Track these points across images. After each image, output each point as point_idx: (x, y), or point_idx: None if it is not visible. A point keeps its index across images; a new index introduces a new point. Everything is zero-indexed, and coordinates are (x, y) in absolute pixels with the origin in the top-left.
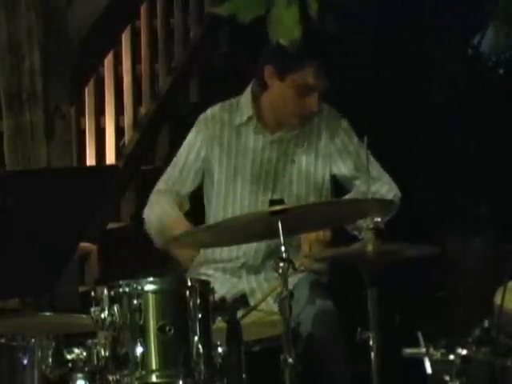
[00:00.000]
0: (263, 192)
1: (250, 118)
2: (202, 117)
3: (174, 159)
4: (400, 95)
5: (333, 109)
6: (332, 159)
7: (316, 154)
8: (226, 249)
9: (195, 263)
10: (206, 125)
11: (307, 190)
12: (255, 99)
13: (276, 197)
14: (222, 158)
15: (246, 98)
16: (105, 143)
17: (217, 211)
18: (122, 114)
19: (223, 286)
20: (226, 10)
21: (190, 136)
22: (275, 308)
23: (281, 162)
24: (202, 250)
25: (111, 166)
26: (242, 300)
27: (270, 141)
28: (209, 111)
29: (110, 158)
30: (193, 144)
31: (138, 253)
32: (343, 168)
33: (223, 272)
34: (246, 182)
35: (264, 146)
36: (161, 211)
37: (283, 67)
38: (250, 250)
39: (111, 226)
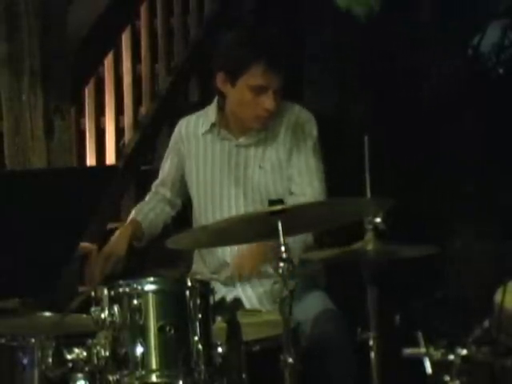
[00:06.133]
0: (235, 198)
1: (213, 125)
2: (176, 127)
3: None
4: (399, 95)
5: (304, 110)
6: (290, 161)
7: (281, 160)
8: (212, 259)
9: (189, 275)
10: (176, 136)
11: (276, 194)
12: (220, 109)
13: (247, 202)
14: (191, 168)
15: (213, 106)
16: (105, 143)
17: (198, 220)
18: (122, 114)
19: (218, 293)
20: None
21: (169, 144)
22: (271, 307)
23: (249, 168)
24: (194, 265)
25: (111, 166)
26: (238, 302)
27: (235, 145)
28: (181, 121)
29: (110, 158)
30: (168, 153)
31: (138, 253)
32: (293, 171)
33: (217, 283)
34: (217, 189)
35: (230, 152)
36: (134, 211)
37: (232, 72)
38: (233, 257)
39: (111, 225)
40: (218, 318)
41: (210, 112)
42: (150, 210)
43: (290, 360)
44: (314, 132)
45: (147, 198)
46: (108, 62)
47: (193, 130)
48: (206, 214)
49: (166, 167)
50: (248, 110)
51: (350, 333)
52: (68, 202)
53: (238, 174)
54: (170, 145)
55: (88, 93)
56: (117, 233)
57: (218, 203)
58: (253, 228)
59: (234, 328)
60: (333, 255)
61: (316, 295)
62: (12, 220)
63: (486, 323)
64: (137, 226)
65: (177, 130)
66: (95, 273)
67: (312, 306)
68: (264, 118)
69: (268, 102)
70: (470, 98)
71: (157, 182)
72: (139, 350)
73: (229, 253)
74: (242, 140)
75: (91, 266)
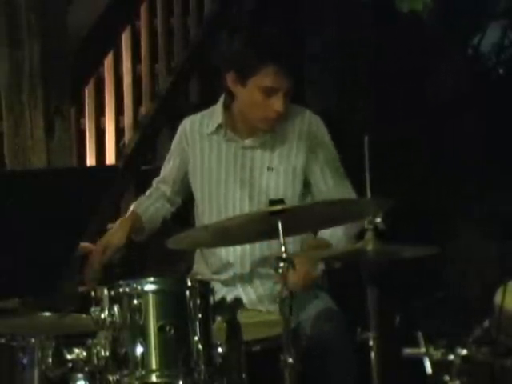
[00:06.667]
0: (240, 200)
1: (219, 126)
2: (180, 126)
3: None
4: (400, 95)
5: (314, 115)
6: (310, 169)
7: (294, 162)
8: (215, 260)
9: (190, 275)
10: (181, 135)
11: (285, 197)
12: (227, 108)
13: (253, 204)
14: (196, 167)
15: (218, 106)
16: (105, 143)
17: (201, 221)
18: (122, 114)
19: (219, 293)
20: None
21: (173, 142)
22: (271, 307)
23: (257, 169)
24: (195, 265)
25: (111, 166)
26: (238, 302)
27: (241, 147)
28: (185, 120)
29: (110, 158)
30: (171, 153)
31: (139, 253)
32: (319, 179)
33: (217, 282)
34: (222, 191)
35: (236, 153)
36: (134, 204)
37: (242, 72)
38: (236, 257)
39: (111, 226)
40: (218, 318)
41: (216, 112)
42: (150, 204)
43: (290, 360)
44: (327, 138)
45: (147, 192)
46: (108, 62)
47: (198, 128)
48: (210, 215)
49: (168, 167)
50: (257, 111)
51: (350, 333)
52: (68, 201)
53: (243, 176)
54: (173, 144)
55: (88, 93)
56: (117, 223)
57: (223, 205)
58: (254, 228)
59: (234, 328)
60: (333, 255)
61: (318, 295)
62: (12, 220)
63: (486, 323)
64: (137, 218)
65: (181, 129)
66: (93, 262)
67: (313, 305)
68: (272, 119)
69: (278, 103)
70: (470, 98)
71: (158, 178)
72: (139, 349)
73: (232, 253)
74: (248, 142)
75: (90, 258)
